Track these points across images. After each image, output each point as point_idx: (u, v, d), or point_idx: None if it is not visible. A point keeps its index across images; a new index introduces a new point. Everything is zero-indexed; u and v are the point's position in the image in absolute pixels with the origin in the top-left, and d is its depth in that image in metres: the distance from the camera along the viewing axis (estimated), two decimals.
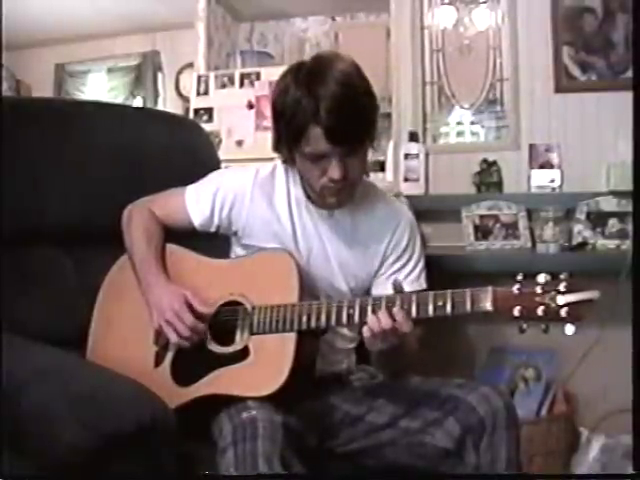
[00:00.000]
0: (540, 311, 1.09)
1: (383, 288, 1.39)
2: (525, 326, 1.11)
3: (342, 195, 1.34)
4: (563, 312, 1.08)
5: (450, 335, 2.22)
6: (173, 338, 1.32)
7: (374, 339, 1.20)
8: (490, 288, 1.13)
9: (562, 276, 1.10)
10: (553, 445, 2.14)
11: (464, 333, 2.32)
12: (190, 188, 1.48)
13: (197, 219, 1.46)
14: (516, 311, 1.10)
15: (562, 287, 1.08)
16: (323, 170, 1.29)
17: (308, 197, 1.41)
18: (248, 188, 1.43)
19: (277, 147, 1.37)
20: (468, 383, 1.33)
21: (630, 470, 1.70)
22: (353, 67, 1.30)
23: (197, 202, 1.46)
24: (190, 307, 1.31)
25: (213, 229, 1.47)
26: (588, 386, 2.25)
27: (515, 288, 1.11)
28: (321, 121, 1.22)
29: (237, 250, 1.48)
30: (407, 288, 1.35)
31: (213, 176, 1.51)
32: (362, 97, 1.28)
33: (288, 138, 1.30)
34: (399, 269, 1.42)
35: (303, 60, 1.34)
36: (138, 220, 1.48)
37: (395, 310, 1.18)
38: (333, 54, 1.34)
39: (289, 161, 1.36)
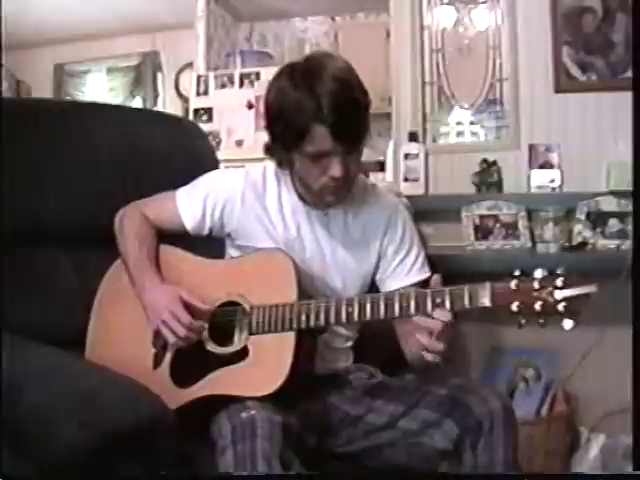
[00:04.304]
0: (538, 306, 1.10)
1: (391, 284, 1.40)
2: (523, 321, 1.11)
3: (341, 193, 1.34)
4: (561, 307, 1.08)
5: None
6: (171, 338, 1.31)
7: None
8: (488, 284, 1.14)
9: (559, 271, 1.10)
10: (553, 445, 2.14)
11: (464, 333, 2.32)
12: (181, 192, 1.48)
13: (189, 223, 1.46)
14: (514, 306, 1.11)
15: (559, 282, 1.09)
16: (324, 169, 1.29)
17: (300, 197, 1.41)
18: (239, 191, 1.43)
19: (271, 150, 1.37)
20: (467, 384, 1.33)
21: (630, 470, 1.70)
22: (346, 65, 1.31)
23: (189, 207, 1.46)
24: (186, 306, 1.31)
25: (206, 232, 1.46)
26: (588, 386, 2.25)
27: (513, 284, 1.12)
28: (326, 119, 1.22)
29: (231, 251, 1.49)
30: (416, 277, 1.40)
31: (203, 180, 1.50)
32: (358, 93, 1.28)
33: (288, 139, 1.29)
34: (402, 260, 1.42)
35: (294, 61, 1.34)
36: (130, 223, 1.47)
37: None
38: (324, 53, 1.36)
39: (285, 163, 1.36)
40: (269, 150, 1.37)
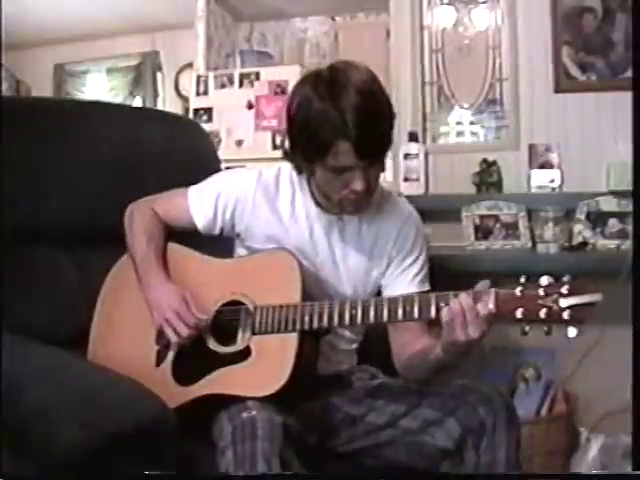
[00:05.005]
0: (543, 313, 1.09)
1: (392, 290, 1.39)
2: (528, 328, 1.10)
3: (362, 205, 1.33)
4: (566, 314, 1.07)
5: None
6: (173, 338, 1.32)
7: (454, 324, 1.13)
8: (493, 290, 1.13)
9: (565, 278, 1.09)
10: (553, 445, 2.14)
11: None
12: (192, 191, 1.47)
13: (200, 223, 1.45)
14: (519, 313, 1.10)
15: (565, 289, 1.08)
16: (345, 182, 1.27)
17: (316, 202, 1.40)
18: (250, 192, 1.42)
19: (292, 158, 1.35)
20: (469, 383, 1.33)
21: (630, 470, 1.70)
22: (371, 76, 1.28)
23: (200, 206, 1.45)
24: (189, 307, 1.31)
25: (217, 232, 1.46)
26: (588, 386, 2.26)
27: (518, 290, 1.11)
28: (351, 136, 1.20)
29: (240, 251, 1.48)
30: (416, 288, 1.38)
31: (215, 180, 1.50)
32: (383, 107, 1.27)
33: (310, 152, 1.27)
34: (407, 267, 1.42)
35: (318, 70, 1.30)
36: (140, 219, 1.47)
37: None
38: (348, 63, 1.30)
39: (304, 171, 1.35)
40: (287, 156, 1.36)
